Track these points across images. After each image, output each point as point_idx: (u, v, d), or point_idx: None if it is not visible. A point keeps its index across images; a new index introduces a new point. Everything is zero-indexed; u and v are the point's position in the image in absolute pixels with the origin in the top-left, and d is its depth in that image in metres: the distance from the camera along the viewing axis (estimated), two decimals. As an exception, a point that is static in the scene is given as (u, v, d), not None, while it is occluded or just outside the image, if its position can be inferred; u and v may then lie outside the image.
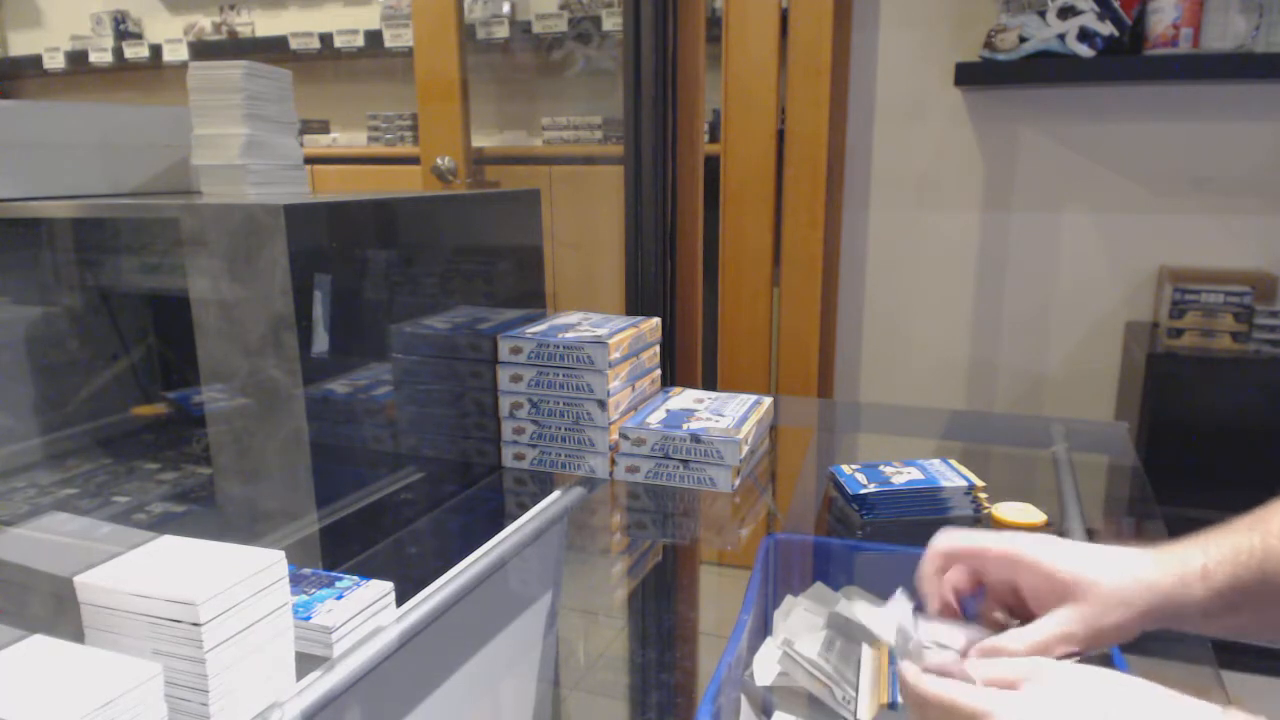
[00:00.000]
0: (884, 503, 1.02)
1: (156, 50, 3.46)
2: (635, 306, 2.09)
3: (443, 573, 0.84)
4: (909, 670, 0.57)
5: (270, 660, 0.61)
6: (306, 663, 0.66)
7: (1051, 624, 0.59)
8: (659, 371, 1.31)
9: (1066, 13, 2.09)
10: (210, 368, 0.93)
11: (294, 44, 3.22)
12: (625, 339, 1.17)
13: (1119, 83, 2.24)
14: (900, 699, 0.60)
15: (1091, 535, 0.98)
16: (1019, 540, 0.64)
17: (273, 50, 3.25)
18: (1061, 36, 2.11)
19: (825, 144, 2.37)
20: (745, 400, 1.25)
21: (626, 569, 1.08)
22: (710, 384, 2.43)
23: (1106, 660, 0.65)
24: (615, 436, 1.14)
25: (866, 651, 0.76)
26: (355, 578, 0.74)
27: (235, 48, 3.40)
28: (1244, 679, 1.97)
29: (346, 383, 0.98)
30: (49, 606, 0.63)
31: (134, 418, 1.32)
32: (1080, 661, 0.59)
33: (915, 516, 1.02)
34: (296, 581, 0.73)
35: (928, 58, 2.41)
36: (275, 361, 0.90)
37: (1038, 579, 0.62)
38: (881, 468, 1.08)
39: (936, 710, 0.55)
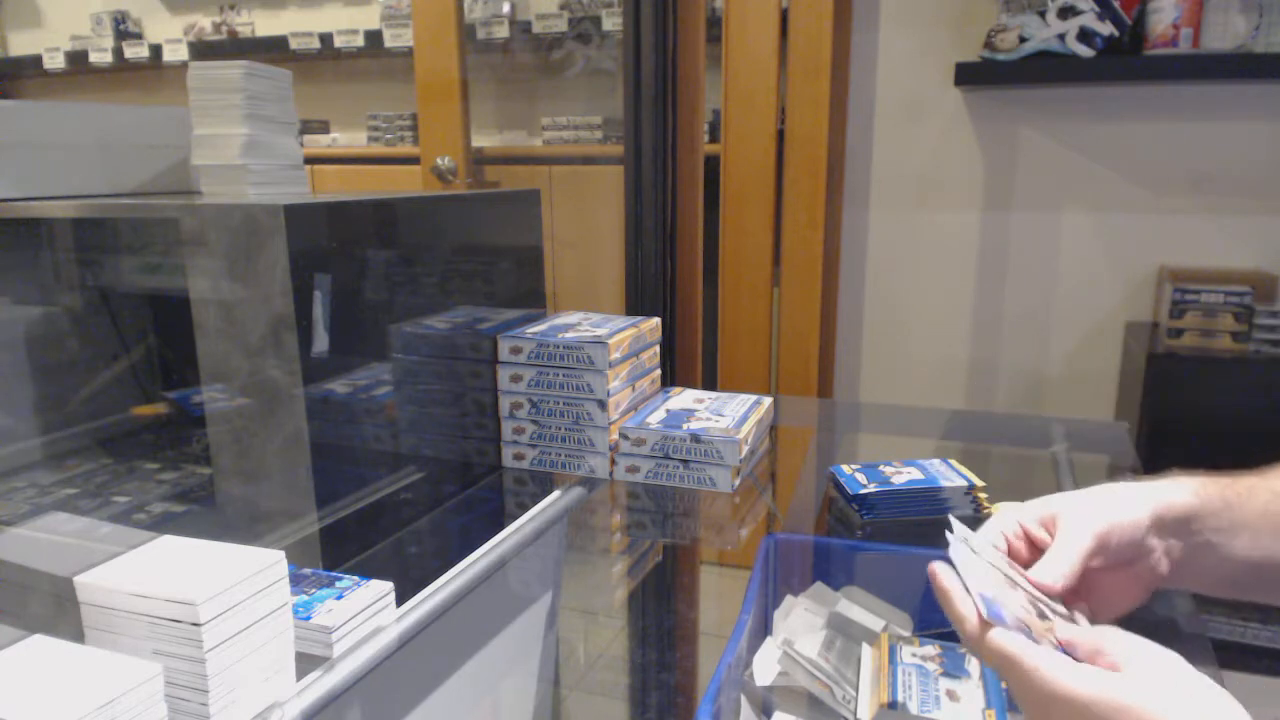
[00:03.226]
0: (884, 503, 1.02)
1: (156, 50, 3.46)
2: (635, 306, 2.09)
3: (443, 573, 0.84)
4: (1005, 637, 0.51)
5: (270, 660, 0.61)
6: (306, 663, 0.66)
7: (1070, 537, 0.58)
8: (659, 371, 1.31)
9: (1066, 13, 2.09)
10: (210, 368, 0.93)
11: (294, 44, 3.22)
12: (625, 339, 1.17)
13: (1119, 83, 2.24)
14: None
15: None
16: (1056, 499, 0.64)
17: (273, 50, 3.25)
18: (1061, 36, 2.11)
19: (825, 144, 2.37)
20: (745, 400, 1.25)
21: (626, 569, 1.08)
22: (710, 384, 2.43)
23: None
24: (615, 436, 1.14)
25: (866, 651, 0.76)
26: (355, 578, 0.74)
27: (235, 48, 3.39)
28: (1244, 679, 1.97)
29: (346, 383, 0.98)
30: (49, 606, 0.63)
31: (134, 418, 1.32)
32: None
33: (915, 516, 1.02)
34: (296, 581, 0.73)
35: (928, 58, 2.41)
36: (275, 361, 0.90)
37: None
38: (881, 468, 1.08)
39: (1042, 696, 0.47)
